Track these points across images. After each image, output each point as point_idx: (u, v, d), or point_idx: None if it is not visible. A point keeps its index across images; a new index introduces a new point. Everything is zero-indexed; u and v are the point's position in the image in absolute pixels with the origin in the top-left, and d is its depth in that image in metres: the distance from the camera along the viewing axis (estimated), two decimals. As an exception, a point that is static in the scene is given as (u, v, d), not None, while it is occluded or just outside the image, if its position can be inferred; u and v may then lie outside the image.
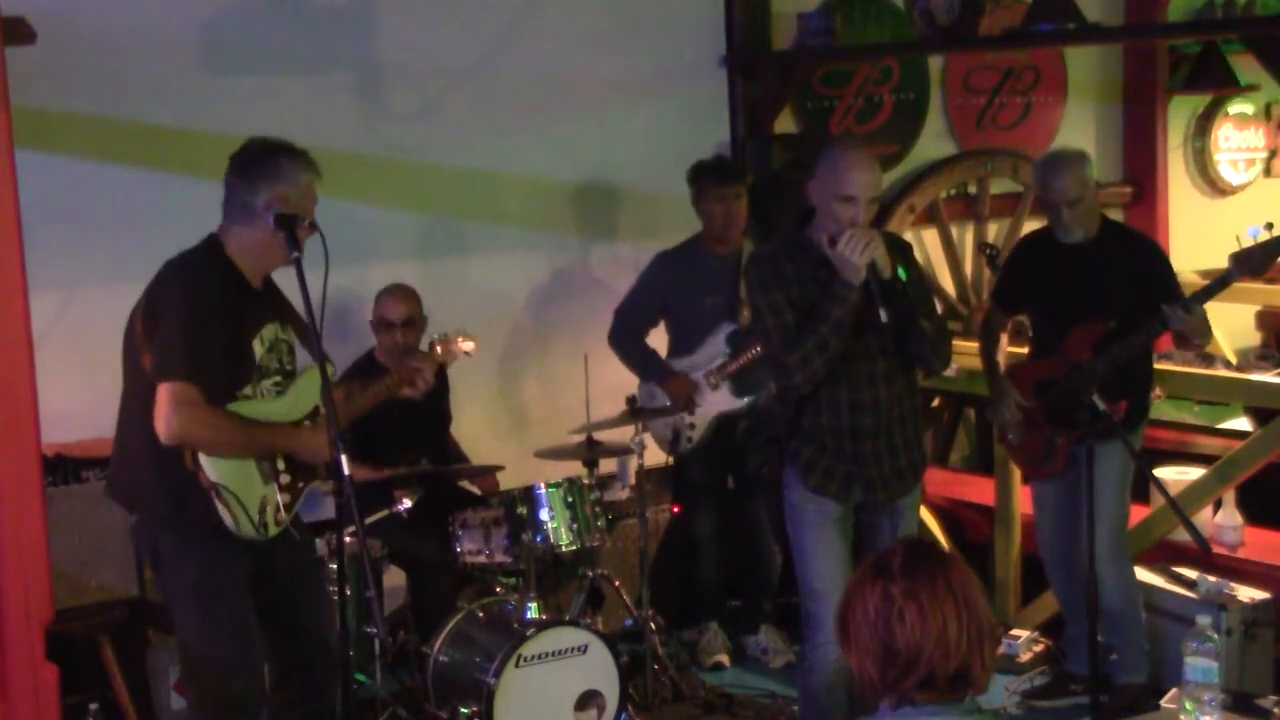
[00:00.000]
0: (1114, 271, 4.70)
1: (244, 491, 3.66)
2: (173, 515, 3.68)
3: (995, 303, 5.11)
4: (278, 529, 3.76)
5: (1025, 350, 5.17)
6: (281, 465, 3.78)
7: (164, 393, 3.56)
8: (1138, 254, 4.79)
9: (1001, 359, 5.04)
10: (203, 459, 3.62)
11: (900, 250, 4.13)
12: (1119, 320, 4.66)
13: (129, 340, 3.73)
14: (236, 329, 3.66)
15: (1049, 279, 4.81)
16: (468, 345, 4.30)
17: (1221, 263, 4.73)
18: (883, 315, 3.86)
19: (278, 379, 3.81)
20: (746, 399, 5.50)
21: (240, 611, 3.76)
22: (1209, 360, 6.07)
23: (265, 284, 3.82)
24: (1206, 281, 4.70)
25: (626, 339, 5.61)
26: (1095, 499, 4.72)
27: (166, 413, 3.55)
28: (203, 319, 3.60)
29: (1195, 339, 4.74)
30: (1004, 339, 5.06)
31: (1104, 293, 4.69)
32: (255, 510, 3.68)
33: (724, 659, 5.52)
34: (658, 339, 5.71)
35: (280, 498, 3.77)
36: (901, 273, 3.97)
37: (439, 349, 4.33)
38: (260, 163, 3.72)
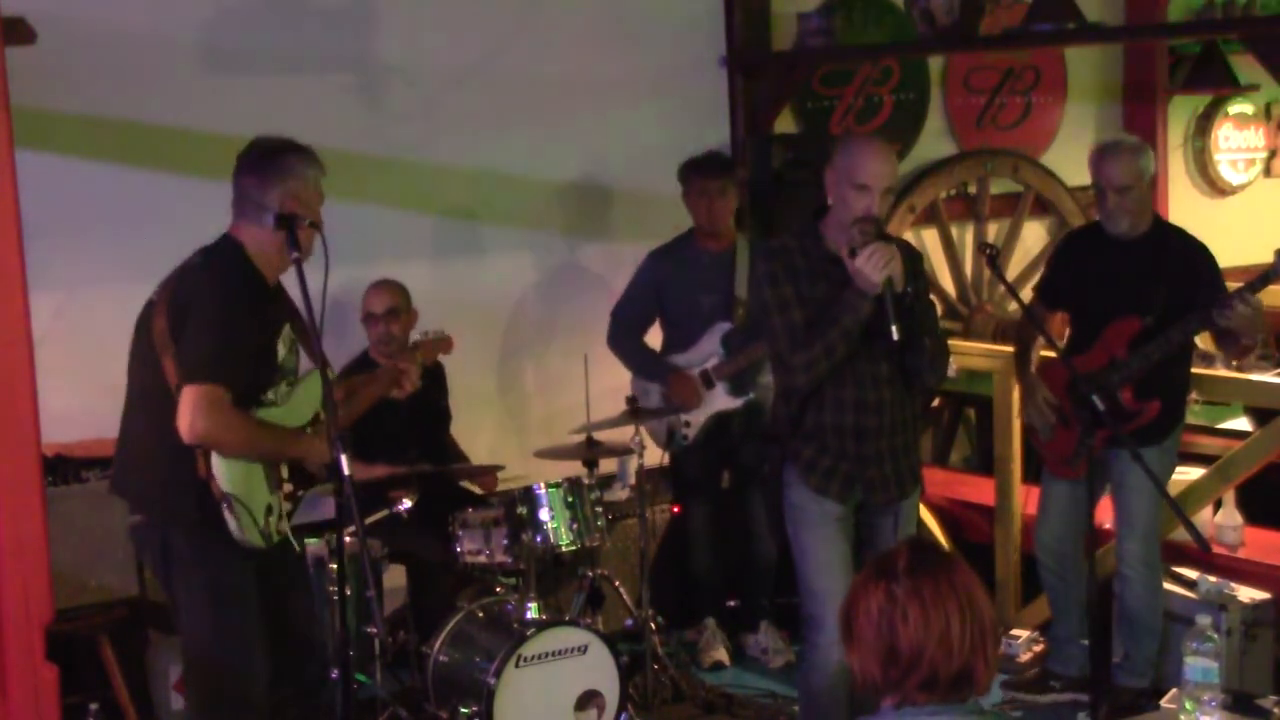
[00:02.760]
0: (1160, 269, 4.64)
1: (252, 501, 3.67)
2: (191, 516, 3.68)
3: (1038, 297, 5.03)
4: (279, 536, 3.78)
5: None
6: (285, 473, 3.81)
7: (190, 394, 3.54)
8: (1186, 253, 4.70)
9: (1036, 357, 4.97)
10: (215, 469, 3.62)
11: (911, 260, 4.08)
12: (1158, 319, 4.59)
13: (144, 338, 3.71)
14: (264, 330, 3.66)
15: (1094, 273, 4.76)
16: (444, 346, 4.65)
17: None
18: (894, 333, 3.84)
19: (291, 379, 3.83)
20: (743, 398, 5.50)
21: (250, 614, 3.77)
22: (1209, 360, 6.06)
23: (277, 284, 3.83)
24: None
25: (625, 340, 5.61)
26: (1132, 503, 4.75)
27: (192, 414, 3.53)
28: (234, 320, 3.61)
29: (1245, 337, 4.59)
30: (1039, 339, 4.94)
31: (1147, 290, 4.62)
32: (261, 518, 3.69)
33: (723, 657, 5.51)
34: (652, 337, 5.71)
35: (283, 505, 3.80)
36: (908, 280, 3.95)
37: (420, 350, 4.44)
38: (269, 161, 3.74)
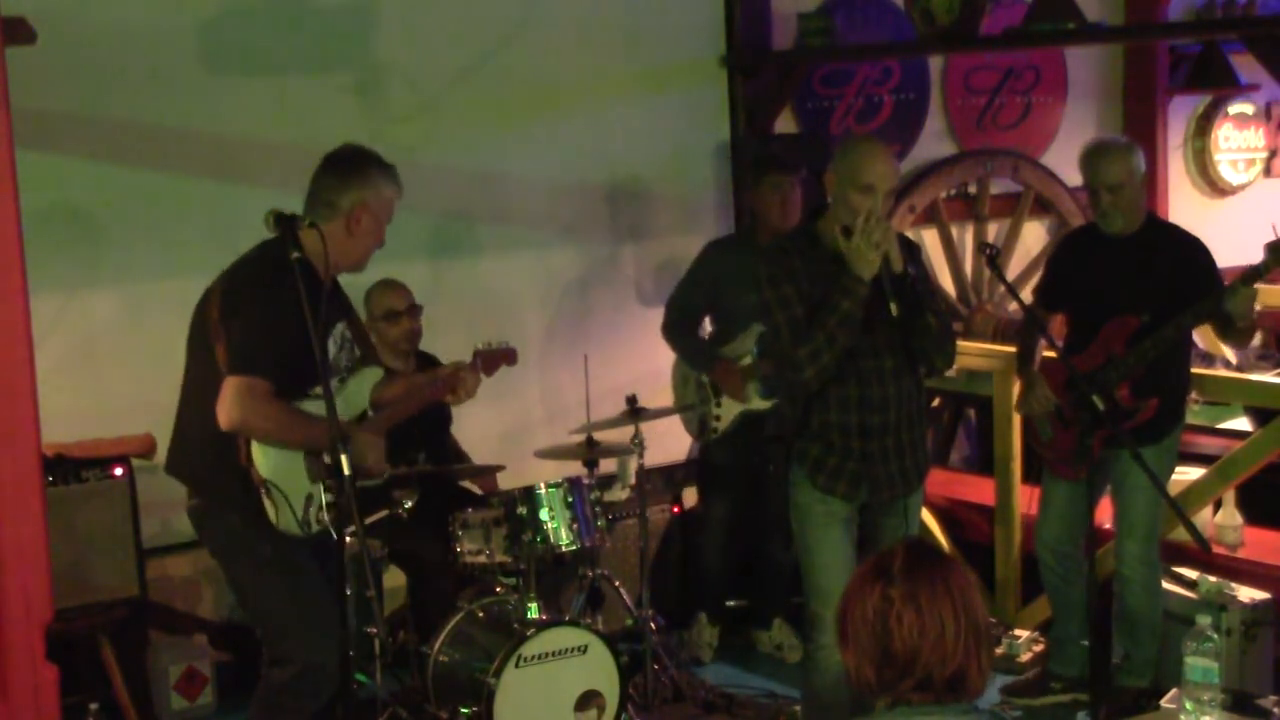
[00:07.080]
0: (1156, 266, 4.64)
1: (291, 488, 3.73)
2: (241, 498, 3.76)
3: (1037, 300, 5.05)
4: (319, 527, 3.82)
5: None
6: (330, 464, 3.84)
7: (232, 383, 3.64)
8: (1181, 250, 4.71)
9: (1039, 357, 4.96)
10: (255, 455, 3.70)
11: (909, 251, 4.11)
12: (1155, 316, 4.59)
13: (201, 327, 3.80)
14: (315, 328, 3.68)
15: (1090, 273, 4.77)
16: (507, 358, 4.51)
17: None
18: (893, 309, 3.86)
19: (344, 376, 3.92)
20: (773, 400, 5.49)
21: (316, 584, 3.84)
22: (1209, 360, 6.06)
23: (333, 282, 3.88)
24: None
25: (680, 331, 5.59)
26: (1131, 503, 4.75)
27: (230, 402, 3.63)
28: (278, 314, 3.65)
29: (1241, 320, 4.58)
30: (1041, 340, 4.93)
31: (1144, 287, 4.63)
32: (300, 507, 3.75)
33: (702, 654, 5.55)
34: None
35: (325, 496, 3.79)
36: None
37: (482, 362, 4.41)
38: (353, 166, 3.84)
